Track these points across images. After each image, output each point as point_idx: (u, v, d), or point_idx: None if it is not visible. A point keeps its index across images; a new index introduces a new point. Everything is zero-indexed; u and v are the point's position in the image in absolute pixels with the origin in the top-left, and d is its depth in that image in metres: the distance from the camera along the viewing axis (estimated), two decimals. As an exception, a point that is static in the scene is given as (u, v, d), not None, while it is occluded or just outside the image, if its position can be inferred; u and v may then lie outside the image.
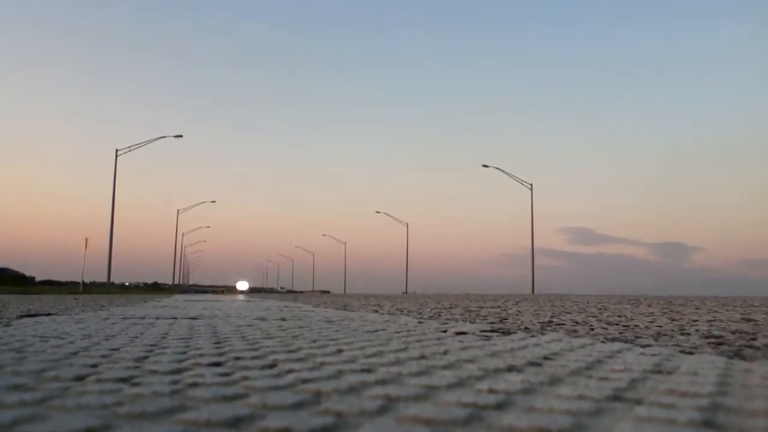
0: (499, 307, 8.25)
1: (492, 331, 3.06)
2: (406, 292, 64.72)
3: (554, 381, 1.39)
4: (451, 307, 8.12)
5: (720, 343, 2.55)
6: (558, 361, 1.75)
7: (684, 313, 5.78)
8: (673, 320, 4.41)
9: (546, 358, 1.84)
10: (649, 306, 8.39)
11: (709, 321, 4.22)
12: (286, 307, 7.68)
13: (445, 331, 2.94)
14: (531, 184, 46.79)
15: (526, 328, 3.55)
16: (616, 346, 2.25)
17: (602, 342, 2.50)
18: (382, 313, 5.81)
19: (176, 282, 67.63)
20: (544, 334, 2.88)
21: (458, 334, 2.80)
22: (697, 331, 3.27)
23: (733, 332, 3.15)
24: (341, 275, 79.18)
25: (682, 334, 3.04)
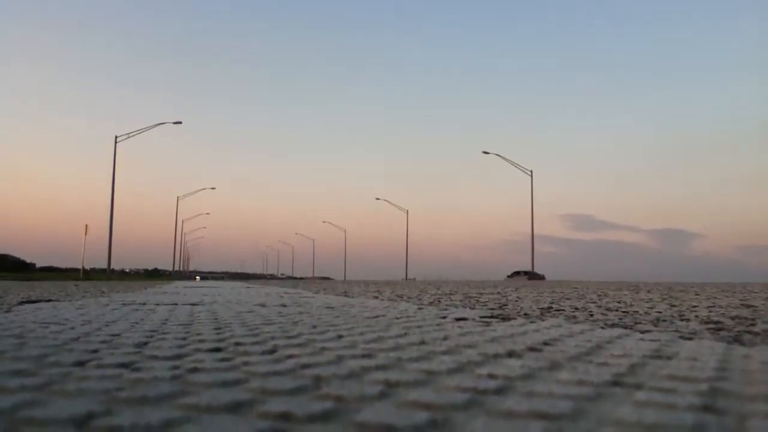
0: (498, 293, 8.27)
1: (492, 317, 3.06)
2: (407, 278, 64.90)
3: (554, 366, 1.40)
4: (451, 294, 8.14)
5: (719, 329, 2.56)
6: (557, 347, 1.76)
7: (683, 299, 5.79)
8: (672, 306, 4.42)
9: (546, 343, 1.84)
10: (649, 292, 8.41)
11: (708, 307, 4.22)
12: (287, 293, 7.70)
13: (444, 317, 2.95)
14: (531, 171, 46.85)
15: (525, 314, 3.55)
16: (616, 331, 2.26)
17: (602, 328, 2.51)
18: (382, 300, 5.82)
19: (176, 268, 67.82)
20: (543, 320, 2.89)
21: (458, 320, 2.80)
22: (696, 317, 3.27)
23: (732, 318, 3.15)
24: (342, 262, 79.38)
25: (681, 320, 3.04)
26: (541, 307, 4.38)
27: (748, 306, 4.31)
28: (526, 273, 50.71)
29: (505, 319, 2.94)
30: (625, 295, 7.20)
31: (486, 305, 4.72)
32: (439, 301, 5.60)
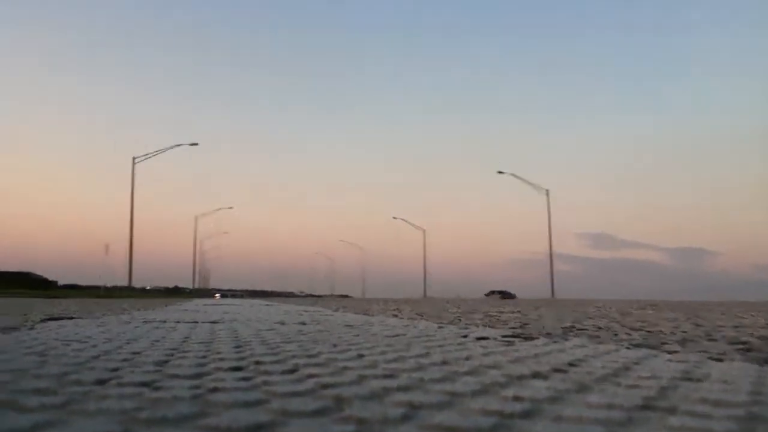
0: (519, 312, 8.19)
1: (514, 336, 3.02)
2: (425, 296, 64.92)
3: (581, 388, 1.36)
4: (471, 312, 8.06)
5: (748, 350, 2.50)
6: (583, 368, 1.72)
7: (708, 319, 5.69)
8: (698, 326, 4.34)
9: (571, 364, 1.80)
10: (672, 311, 8.28)
11: (735, 326, 4.14)
12: (306, 311, 7.68)
13: (465, 336, 2.91)
14: (547, 190, 46.92)
15: (548, 333, 3.50)
16: (642, 352, 2.21)
17: (627, 348, 2.46)
18: (402, 318, 5.78)
19: (196, 286, 68.39)
20: (567, 340, 2.84)
21: (479, 339, 2.76)
22: (723, 337, 3.20)
23: (760, 338, 3.08)
24: (360, 280, 79.52)
25: (708, 340, 2.98)
26: (563, 326, 4.32)
27: (776, 326, 4.22)
28: (500, 292, 59.65)
29: (528, 338, 2.90)
30: (649, 314, 7.09)
31: (507, 324, 4.67)
32: (460, 320, 5.55)
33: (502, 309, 9.62)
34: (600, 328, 4.07)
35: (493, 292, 61.56)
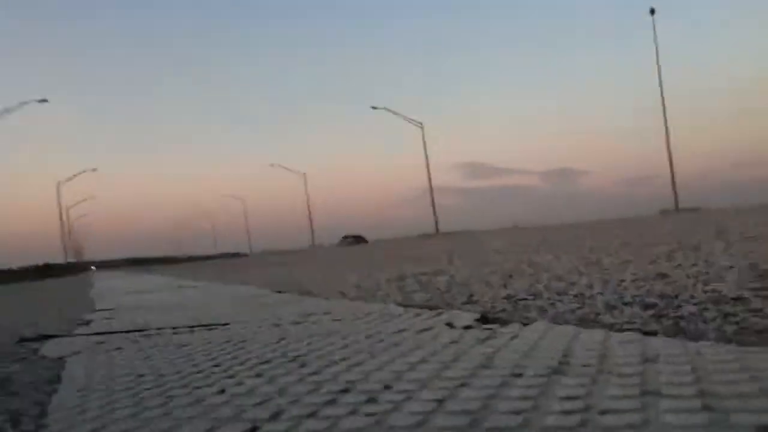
0: (430, 261, 8.82)
1: (485, 320, 3.79)
2: (313, 245, 66.18)
3: (595, 382, 2.17)
4: (385, 272, 8.58)
5: (660, 315, 3.42)
6: (579, 360, 2.52)
7: (602, 264, 6.84)
8: (603, 280, 5.38)
9: (564, 359, 2.60)
10: (563, 251, 9.40)
11: (633, 281, 5.19)
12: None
13: (430, 329, 3.65)
14: (421, 123, 49.16)
15: (502, 310, 4.32)
16: (599, 334, 3.03)
17: (575, 325, 3.30)
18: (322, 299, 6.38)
19: (69, 260, 65.97)
20: (529, 323, 3.61)
21: (448, 326, 3.53)
22: (633, 298, 4.16)
23: (659, 296, 4.08)
24: (246, 235, 78.96)
25: (624, 304, 3.93)
26: (502, 295, 5.16)
27: (663, 275, 5.32)
28: (353, 237, 69.14)
29: (491, 321, 3.68)
30: (549, 260, 8.11)
31: (435, 290, 5.42)
32: (380, 291, 6.16)
33: (419, 263, 10.27)
34: (534, 295, 4.96)
35: (346, 237, 70.55)
